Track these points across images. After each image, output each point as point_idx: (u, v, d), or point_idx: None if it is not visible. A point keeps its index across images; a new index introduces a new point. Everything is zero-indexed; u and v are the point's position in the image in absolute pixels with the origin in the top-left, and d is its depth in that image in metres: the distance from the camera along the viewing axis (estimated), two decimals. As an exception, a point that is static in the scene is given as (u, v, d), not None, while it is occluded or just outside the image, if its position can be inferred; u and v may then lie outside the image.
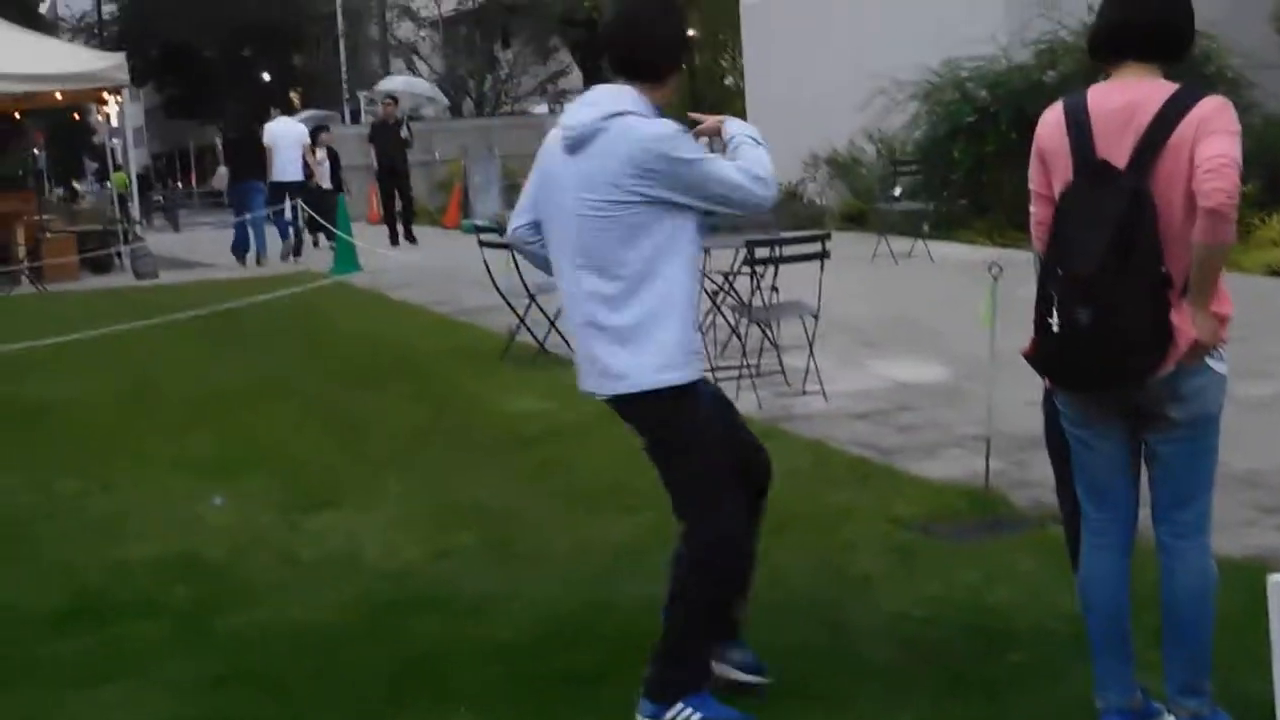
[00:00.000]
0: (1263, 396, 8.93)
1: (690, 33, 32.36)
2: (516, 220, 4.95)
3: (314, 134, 25.81)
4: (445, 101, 45.14)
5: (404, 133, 26.38)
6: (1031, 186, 4.45)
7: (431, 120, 44.85)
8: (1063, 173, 4.29)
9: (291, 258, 23.80)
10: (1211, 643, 4.37)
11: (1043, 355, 4.30)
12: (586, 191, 4.57)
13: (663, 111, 4.69)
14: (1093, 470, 4.47)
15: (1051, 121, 4.36)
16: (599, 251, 4.57)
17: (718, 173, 4.57)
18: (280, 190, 23.67)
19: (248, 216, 23.27)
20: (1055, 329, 4.19)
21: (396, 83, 40.61)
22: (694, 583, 4.69)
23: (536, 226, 4.84)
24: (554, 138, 4.74)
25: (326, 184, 25.52)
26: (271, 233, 24.23)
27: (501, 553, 6.73)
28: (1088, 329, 4.11)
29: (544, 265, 4.93)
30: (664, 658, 4.71)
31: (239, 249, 23.59)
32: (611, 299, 4.58)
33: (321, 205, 23.87)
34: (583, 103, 4.73)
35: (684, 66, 4.94)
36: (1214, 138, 4.06)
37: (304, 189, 24.13)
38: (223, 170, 25.98)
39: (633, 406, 4.68)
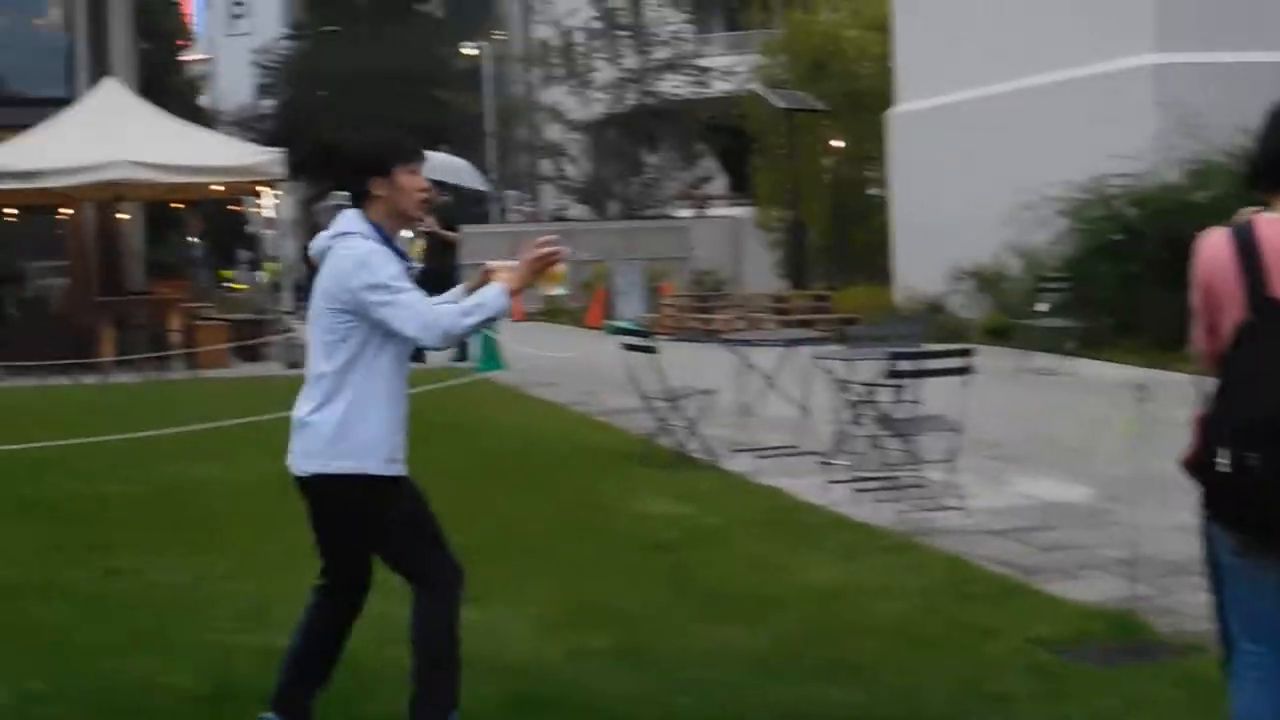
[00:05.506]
0: None
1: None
2: None
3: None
4: (483, 186, 35.86)
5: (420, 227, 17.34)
6: (1195, 316, 4.34)
7: (574, 221, 44.98)
8: (1233, 308, 4.16)
9: None
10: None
11: (1210, 493, 4.21)
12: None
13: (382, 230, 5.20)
14: (1250, 602, 4.32)
15: (1217, 253, 4.21)
16: None
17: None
18: None
19: None
20: (1225, 468, 4.07)
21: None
22: None
23: None
24: None
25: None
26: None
27: (635, 657, 6.74)
28: (1260, 473, 4.01)
29: None
30: None
31: None
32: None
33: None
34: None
35: (381, 181, 5.18)
36: None
37: None
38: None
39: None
